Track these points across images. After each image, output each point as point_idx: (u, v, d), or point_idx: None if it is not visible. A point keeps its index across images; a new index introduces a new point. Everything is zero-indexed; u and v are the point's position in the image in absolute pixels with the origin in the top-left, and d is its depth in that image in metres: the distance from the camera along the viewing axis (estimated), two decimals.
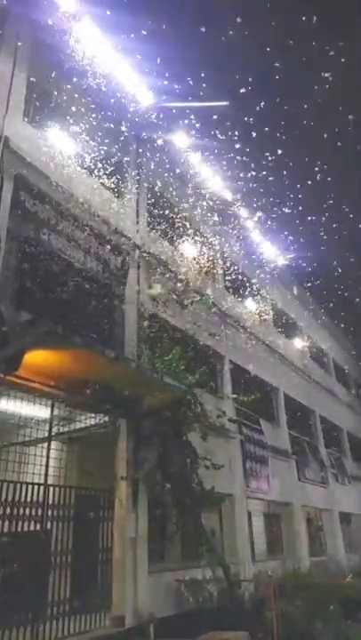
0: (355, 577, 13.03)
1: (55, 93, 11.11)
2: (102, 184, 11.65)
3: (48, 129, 10.68)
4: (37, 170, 9.50)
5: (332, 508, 20.09)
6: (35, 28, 10.53)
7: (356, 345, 30.43)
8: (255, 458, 14.46)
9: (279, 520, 16.62)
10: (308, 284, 23.49)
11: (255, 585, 10.80)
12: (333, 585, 11.21)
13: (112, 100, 12.08)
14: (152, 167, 13.64)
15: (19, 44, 10.09)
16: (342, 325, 27.77)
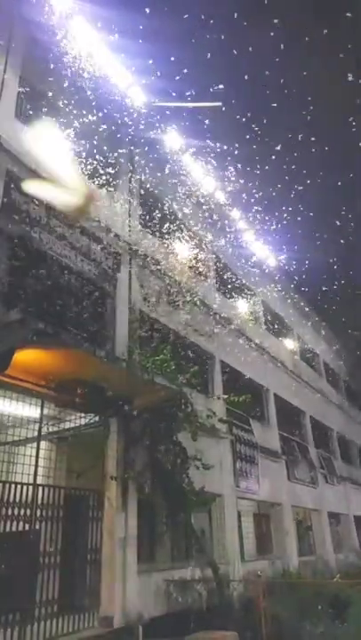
0: (343, 577, 13.10)
1: (48, 91, 11.05)
2: (94, 182, 11.61)
3: (40, 127, 10.62)
4: (29, 168, 9.45)
5: (322, 509, 20.19)
6: (28, 25, 10.47)
7: (346, 346, 30.59)
8: (245, 458, 14.50)
9: (269, 520, 16.67)
10: (300, 285, 23.63)
11: (244, 585, 10.83)
12: (322, 585, 11.27)
13: (105, 99, 12.05)
14: (144, 166, 13.63)
15: (11, 41, 10.04)
16: (332, 326, 27.92)
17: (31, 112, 10.60)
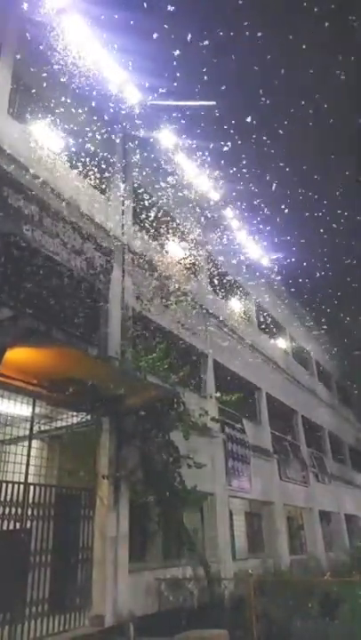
0: (333, 575, 13.16)
1: (41, 89, 10.98)
2: (88, 181, 11.56)
3: (33, 124, 10.57)
4: (22, 165, 9.38)
5: (313, 507, 20.28)
6: (21, 22, 10.40)
7: (339, 346, 30.70)
8: (237, 457, 14.53)
9: (260, 519, 16.72)
10: (292, 284, 23.70)
11: (235, 583, 10.85)
12: (312, 583, 11.32)
13: (99, 97, 12.00)
14: (138, 165, 13.59)
15: (4, 37, 9.96)
16: (325, 325, 28.02)
17: (24, 109, 10.54)
